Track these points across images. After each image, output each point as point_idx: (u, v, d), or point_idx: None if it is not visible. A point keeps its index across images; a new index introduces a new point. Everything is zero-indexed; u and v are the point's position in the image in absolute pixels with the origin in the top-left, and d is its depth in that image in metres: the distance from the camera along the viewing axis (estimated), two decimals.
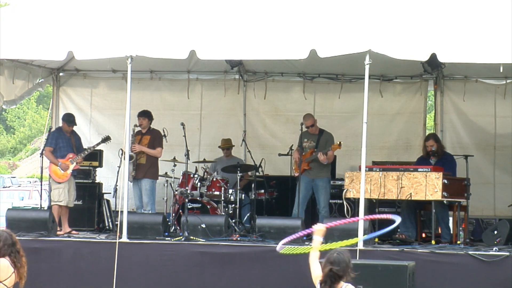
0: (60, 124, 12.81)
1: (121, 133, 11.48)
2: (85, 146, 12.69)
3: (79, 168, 12.48)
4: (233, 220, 12.18)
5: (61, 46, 10.70)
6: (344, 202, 11.12)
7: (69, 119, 12.50)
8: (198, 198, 12.63)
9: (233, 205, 12.67)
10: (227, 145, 13.60)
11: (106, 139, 12.58)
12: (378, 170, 10.90)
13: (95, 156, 13.43)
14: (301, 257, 9.97)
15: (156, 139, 12.51)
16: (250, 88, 14.48)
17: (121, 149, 11.54)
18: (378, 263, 9.34)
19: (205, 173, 13.10)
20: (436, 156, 11.62)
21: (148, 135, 12.56)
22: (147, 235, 10.87)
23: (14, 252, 6.61)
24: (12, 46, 10.90)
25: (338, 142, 11.92)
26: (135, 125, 12.52)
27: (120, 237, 10.44)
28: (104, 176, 13.80)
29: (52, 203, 12.14)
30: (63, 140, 12.28)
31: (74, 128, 12.61)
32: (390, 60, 10.24)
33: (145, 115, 12.58)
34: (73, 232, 11.94)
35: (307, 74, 14.25)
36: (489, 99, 13.75)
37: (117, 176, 11.99)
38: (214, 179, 12.80)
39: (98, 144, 12.58)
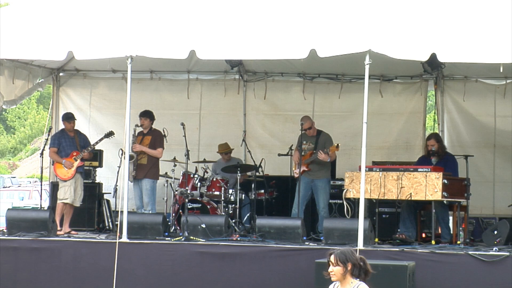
0: (60, 125, 12.85)
1: (121, 133, 11.49)
2: None
3: (84, 167, 12.49)
4: (233, 220, 12.18)
5: (61, 46, 10.70)
6: (344, 202, 11.11)
7: (67, 116, 12.54)
8: (198, 198, 12.63)
9: (233, 205, 12.67)
10: (226, 150, 13.59)
11: (110, 134, 12.62)
12: (378, 170, 10.90)
13: (95, 156, 13.46)
14: (301, 257, 10.06)
15: (157, 139, 12.51)
16: (250, 88, 14.48)
17: (121, 149, 11.54)
18: (378, 263, 9.31)
19: (205, 173, 13.10)
20: (436, 156, 11.61)
21: (150, 136, 12.56)
22: (147, 235, 10.87)
23: None
24: (12, 46, 10.90)
25: (336, 144, 11.92)
26: (136, 125, 12.52)
27: (120, 237, 10.43)
28: (104, 176, 13.81)
29: (57, 201, 12.18)
30: (66, 140, 12.33)
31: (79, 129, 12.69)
32: (390, 60, 10.23)
33: (147, 115, 12.58)
34: (73, 232, 11.95)
35: (307, 74, 14.25)
36: (489, 99, 13.76)
37: (117, 176, 11.99)
38: (214, 179, 12.80)
39: (101, 140, 12.53)
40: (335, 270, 6.53)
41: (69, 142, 12.34)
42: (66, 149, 12.28)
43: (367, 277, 6.55)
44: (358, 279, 6.53)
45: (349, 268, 6.50)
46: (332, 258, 6.56)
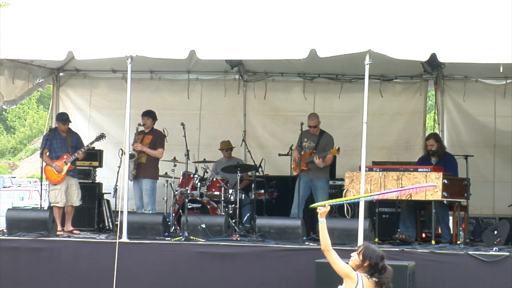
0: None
1: (121, 133, 11.48)
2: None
3: (76, 168, 12.36)
4: (233, 220, 12.18)
5: (61, 46, 10.70)
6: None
7: (62, 117, 12.39)
8: (198, 198, 12.63)
9: (233, 205, 12.67)
10: (227, 147, 13.59)
11: (101, 137, 12.39)
12: (378, 170, 10.90)
13: (95, 156, 13.43)
14: (301, 257, 10.06)
15: (157, 139, 12.51)
16: (250, 88, 14.48)
17: (121, 149, 11.53)
18: None
19: (205, 173, 13.10)
20: (436, 156, 11.62)
21: (150, 135, 12.56)
22: (147, 235, 10.88)
23: None
24: (12, 46, 10.90)
25: (336, 148, 11.90)
26: (139, 124, 12.51)
27: (120, 237, 10.43)
28: (104, 176, 13.78)
29: (51, 205, 12.13)
30: (57, 141, 12.16)
31: (73, 128, 12.60)
32: (390, 60, 10.23)
33: (150, 115, 12.58)
34: (75, 231, 11.92)
35: (307, 74, 14.25)
36: (489, 99, 13.76)
37: (117, 176, 11.99)
38: (214, 179, 12.80)
39: (92, 143, 12.34)
40: (354, 257, 6.56)
41: (60, 143, 12.17)
42: (56, 151, 12.10)
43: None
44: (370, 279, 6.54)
45: (365, 264, 6.52)
46: (360, 246, 6.60)
